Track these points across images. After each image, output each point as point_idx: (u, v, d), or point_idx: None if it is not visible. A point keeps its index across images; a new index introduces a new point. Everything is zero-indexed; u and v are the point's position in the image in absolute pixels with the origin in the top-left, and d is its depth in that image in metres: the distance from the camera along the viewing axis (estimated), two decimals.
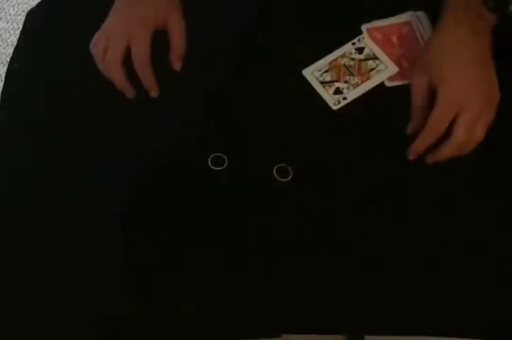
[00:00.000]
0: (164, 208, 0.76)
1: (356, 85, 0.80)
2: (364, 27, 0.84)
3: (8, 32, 1.82)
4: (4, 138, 0.84)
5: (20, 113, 0.85)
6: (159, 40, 0.84)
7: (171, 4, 0.85)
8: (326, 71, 0.82)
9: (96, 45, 0.82)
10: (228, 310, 0.70)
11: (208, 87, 0.83)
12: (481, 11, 0.73)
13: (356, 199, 0.75)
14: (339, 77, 0.81)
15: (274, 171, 0.76)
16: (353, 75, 0.81)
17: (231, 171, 0.77)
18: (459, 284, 0.70)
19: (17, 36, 0.95)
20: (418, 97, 0.75)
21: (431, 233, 0.72)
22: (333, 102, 0.80)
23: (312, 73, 0.82)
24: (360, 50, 0.83)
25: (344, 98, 0.80)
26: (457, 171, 0.75)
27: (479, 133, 0.71)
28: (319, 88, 0.81)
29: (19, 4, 1.88)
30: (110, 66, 0.81)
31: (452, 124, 0.71)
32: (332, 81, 0.81)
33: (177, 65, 0.83)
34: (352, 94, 0.80)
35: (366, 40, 0.83)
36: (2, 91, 0.88)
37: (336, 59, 0.82)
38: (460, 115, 0.70)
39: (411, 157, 0.74)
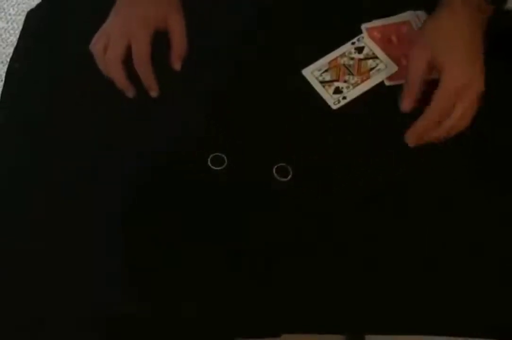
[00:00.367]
0: (164, 208, 0.76)
1: (355, 85, 0.80)
2: (363, 27, 0.84)
3: (8, 32, 1.82)
4: (4, 138, 0.84)
5: (20, 113, 0.85)
6: (159, 40, 0.84)
7: (172, 4, 0.85)
8: (326, 70, 0.82)
9: (96, 44, 0.83)
10: (228, 310, 0.70)
11: (208, 87, 0.83)
12: (480, 4, 0.73)
13: (356, 199, 0.75)
14: (339, 77, 0.81)
15: (274, 171, 0.76)
16: (352, 74, 0.81)
17: (230, 170, 0.77)
18: (459, 284, 0.70)
19: (17, 36, 0.95)
20: (416, 78, 0.75)
21: (431, 233, 0.72)
22: (333, 101, 0.80)
23: (312, 73, 0.82)
24: (359, 49, 0.83)
25: (344, 98, 0.80)
26: (457, 171, 0.75)
27: (468, 120, 0.73)
28: (318, 87, 0.81)
29: (19, 4, 1.88)
30: (110, 65, 0.81)
31: None
32: (331, 81, 0.81)
33: (177, 65, 0.84)
34: (351, 94, 0.80)
35: (365, 40, 0.83)
36: (2, 91, 0.88)
37: (335, 59, 0.82)
38: (458, 102, 0.72)
39: (410, 141, 0.74)
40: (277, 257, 0.72)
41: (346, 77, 0.81)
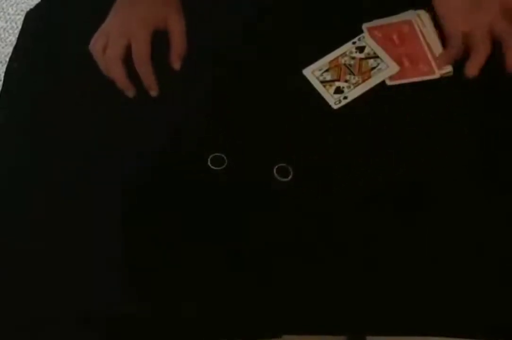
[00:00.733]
0: (164, 208, 0.76)
1: (356, 84, 0.80)
2: (364, 26, 0.84)
3: (7, 31, 1.82)
4: (4, 138, 0.84)
5: (20, 113, 0.85)
6: (159, 40, 0.84)
7: (171, 4, 0.85)
8: (327, 70, 0.82)
9: (96, 44, 0.83)
10: (228, 311, 0.70)
11: (208, 87, 0.83)
12: None
13: (356, 199, 0.75)
14: (340, 76, 0.81)
15: (274, 171, 0.76)
16: (353, 74, 0.81)
17: (230, 171, 0.77)
18: (460, 284, 0.70)
19: (16, 36, 0.95)
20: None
21: (431, 233, 0.72)
22: (334, 101, 0.80)
23: (313, 73, 0.82)
24: (360, 49, 0.82)
25: (345, 97, 0.80)
26: (457, 171, 0.75)
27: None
28: (319, 87, 0.81)
29: (18, 4, 1.87)
30: (110, 65, 0.81)
31: None
32: (332, 80, 0.81)
33: (177, 65, 0.84)
34: (352, 93, 0.80)
35: (366, 39, 0.83)
36: (2, 91, 0.88)
37: (336, 58, 0.82)
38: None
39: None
40: (277, 257, 0.72)
41: (347, 77, 0.81)
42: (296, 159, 0.77)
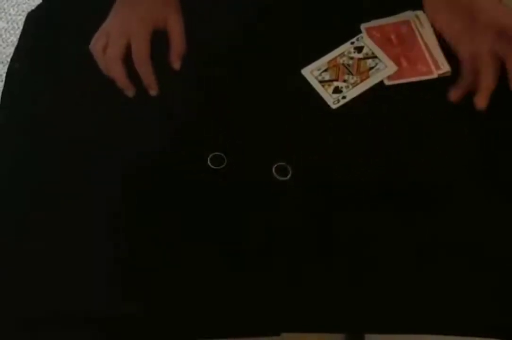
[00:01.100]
0: (164, 208, 0.76)
1: (355, 84, 0.80)
2: (363, 26, 0.84)
3: (8, 32, 1.83)
4: (4, 138, 0.84)
5: (20, 113, 0.85)
6: (159, 40, 0.84)
7: (171, 4, 0.85)
8: (325, 70, 0.82)
9: (96, 44, 0.83)
10: (228, 309, 0.70)
11: (208, 86, 0.83)
12: None
13: (356, 199, 0.75)
14: (338, 76, 0.81)
15: (273, 170, 0.76)
16: (352, 74, 0.81)
17: (230, 170, 0.77)
18: (459, 284, 0.70)
19: (17, 36, 0.95)
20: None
21: (431, 233, 0.72)
22: (332, 101, 0.80)
23: (311, 72, 0.82)
24: (359, 49, 0.83)
25: (343, 97, 0.80)
26: (457, 171, 0.75)
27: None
28: (318, 87, 0.81)
29: (19, 4, 1.88)
30: (110, 64, 0.82)
31: None
32: (331, 80, 0.81)
33: (176, 65, 0.84)
34: (351, 93, 0.80)
35: (365, 39, 0.83)
36: (3, 91, 0.88)
37: (335, 58, 0.82)
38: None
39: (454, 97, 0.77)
40: (277, 256, 0.72)
41: (346, 77, 0.81)
42: (295, 159, 0.77)
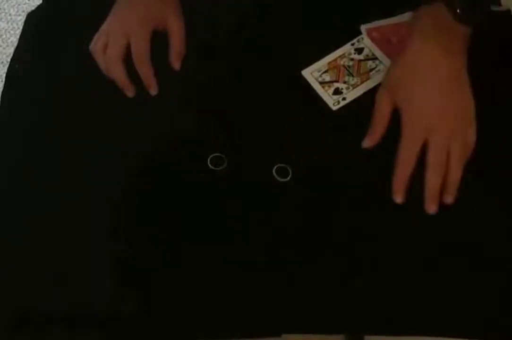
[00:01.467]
0: (164, 208, 0.76)
1: (355, 86, 0.80)
2: (363, 28, 0.84)
3: (8, 32, 1.83)
4: (4, 138, 0.84)
5: (20, 113, 0.85)
6: (159, 40, 0.84)
7: (170, 4, 0.86)
8: (326, 71, 0.82)
9: (96, 44, 0.83)
10: (228, 310, 0.70)
11: (208, 87, 0.83)
12: (453, 26, 0.71)
13: (356, 199, 0.75)
14: (338, 78, 0.81)
15: (274, 171, 0.76)
16: (352, 75, 0.81)
17: (230, 171, 0.77)
18: (459, 284, 0.70)
19: (17, 37, 0.95)
20: (379, 116, 0.75)
21: (431, 233, 0.72)
22: (333, 102, 0.80)
23: (312, 74, 0.82)
24: (359, 50, 0.83)
25: (344, 99, 0.80)
26: None
27: (457, 156, 0.71)
28: (318, 88, 0.81)
29: (19, 5, 1.88)
30: (110, 64, 0.82)
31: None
32: (331, 82, 0.81)
33: (176, 64, 0.84)
34: (351, 95, 0.80)
35: (365, 41, 0.83)
36: (3, 92, 0.88)
37: (335, 60, 0.83)
38: (429, 140, 0.71)
39: (398, 199, 0.71)
40: (277, 257, 0.72)
41: (346, 78, 0.81)
42: (295, 160, 0.77)
